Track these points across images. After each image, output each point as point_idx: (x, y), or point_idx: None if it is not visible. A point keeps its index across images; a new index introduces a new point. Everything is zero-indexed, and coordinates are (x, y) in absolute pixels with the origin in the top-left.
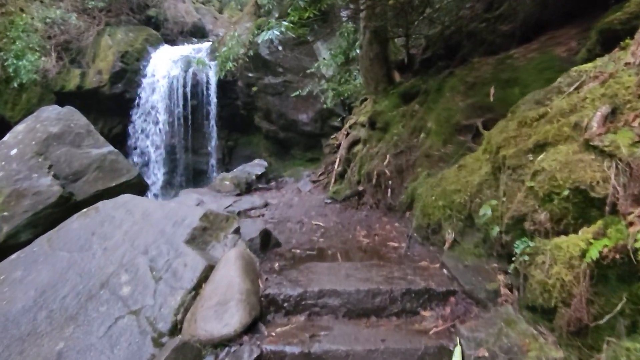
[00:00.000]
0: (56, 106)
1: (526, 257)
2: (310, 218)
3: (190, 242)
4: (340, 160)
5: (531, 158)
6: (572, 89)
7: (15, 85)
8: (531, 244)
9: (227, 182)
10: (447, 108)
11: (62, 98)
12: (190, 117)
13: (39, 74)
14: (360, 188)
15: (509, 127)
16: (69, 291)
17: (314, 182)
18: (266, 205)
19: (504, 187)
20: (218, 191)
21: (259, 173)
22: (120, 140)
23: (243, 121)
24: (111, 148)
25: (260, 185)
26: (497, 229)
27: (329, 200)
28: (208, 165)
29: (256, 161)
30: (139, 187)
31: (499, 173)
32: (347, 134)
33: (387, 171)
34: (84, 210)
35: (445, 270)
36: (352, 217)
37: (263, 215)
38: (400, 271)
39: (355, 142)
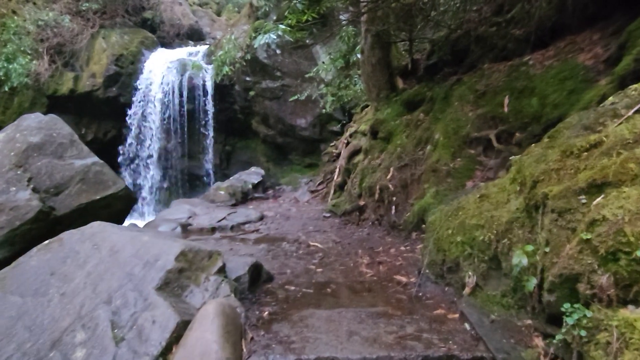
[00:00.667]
0: (38, 114)
1: (582, 332)
2: (308, 235)
3: (162, 288)
4: (339, 170)
5: (585, 201)
6: (632, 112)
7: (7, 89)
8: (588, 313)
9: (222, 192)
10: (455, 118)
11: (55, 102)
12: (186, 121)
13: (31, 77)
14: (362, 202)
15: (549, 156)
16: (14, 351)
17: (312, 192)
18: (262, 218)
19: (547, 235)
20: (212, 201)
21: (256, 182)
22: (114, 144)
23: (241, 126)
24: (96, 159)
25: (256, 195)
26: (534, 281)
27: (327, 214)
28: (204, 171)
29: (253, 169)
30: (126, 199)
31: (535, 212)
32: (347, 143)
33: (390, 186)
34: (46, 242)
35: (467, 325)
36: (352, 235)
37: (258, 230)
38: (413, 325)
39: (355, 152)
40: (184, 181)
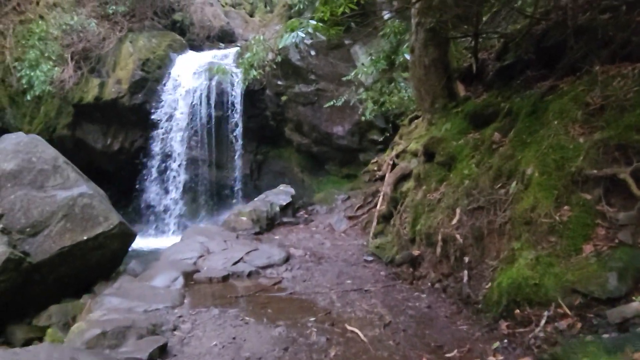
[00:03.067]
0: (20, 134)
1: None
2: (345, 301)
3: None
4: (384, 198)
5: None
6: None
7: (29, 97)
8: None
9: (244, 218)
10: (557, 145)
11: (81, 110)
12: (214, 129)
13: (55, 84)
14: (416, 252)
15: None
16: None
17: (350, 218)
18: (287, 259)
19: None
20: (233, 229)
21: (284, 203)
22: (142, 154)
23: (273, 133)
24: (84, 189)
25: (285, 220)
26: None
27: (369, 257)
28: (234, 181)
29: (282, 187)
30: (122, 237)
31: None
32: (393, 165)
33: (457, 236)
34: None
35: None
36: (406, 306)
37: (280, 282)
38: None
39: (404, 177)
40: (212, 192)
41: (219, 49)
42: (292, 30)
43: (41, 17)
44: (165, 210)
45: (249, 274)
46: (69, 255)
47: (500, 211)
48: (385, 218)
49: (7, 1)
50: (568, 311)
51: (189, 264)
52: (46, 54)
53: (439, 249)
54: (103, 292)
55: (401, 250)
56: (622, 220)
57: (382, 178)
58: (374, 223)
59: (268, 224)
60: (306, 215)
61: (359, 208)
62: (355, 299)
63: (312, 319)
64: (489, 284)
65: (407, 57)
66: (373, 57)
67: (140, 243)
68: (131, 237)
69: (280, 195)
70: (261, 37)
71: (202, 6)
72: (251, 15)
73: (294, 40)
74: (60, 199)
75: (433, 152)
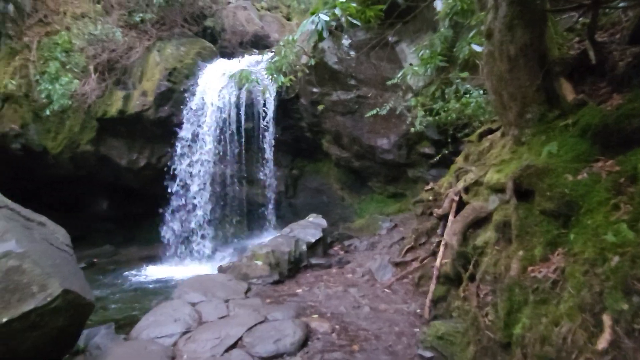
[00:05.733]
0: None
1: None
2: None
3: None
4: (447, 251)
5: None
6: None
7: (48, 112)
8: None
9: (259, 262)
10: None
11: (105, 125)
12: (244, 142)
13: (76, 98)
14: None
15: None
16: None
17: (397, 265)
18: (305, 342)
19: None
20: (244, 276)
21: (313, 240)
22: (168, 171)
23: (309, 146)
24: (11, 246)
25: (313, 261)
26: None
27: (428, 354)
28: (266, 199)
29: (311, 219)
30: (69, 312)
31: None
32: (460, 202)
33: None
34: None
35: None
36: None
37: None
38: None
39: (478, 223)
40: (242, 212)
41: (254, 55)
42: (313, 13)
43: (67, 29)
44: (192, 233)
45: None
46: None
47: None
48: (450, 280)
49: (34, 13)
50: None
51: (164, 349)
52: (68, 66)
53: None
54: None
55: (484, 356)
56: None
57: (442, 217)
58: (433, 283)
59: (291, 269)
60: (341, 253)
61: (408, 250)
62: None
63: None
64: None
65: (476, 48)
66: (424, 54)
67: (163, 272)
68: (86, 308)
69: (309, 229)
70: (290, 37)
71: (235, 11)
72: (288, 19)
73: (315, 28)
74: None
75: (531, 190)
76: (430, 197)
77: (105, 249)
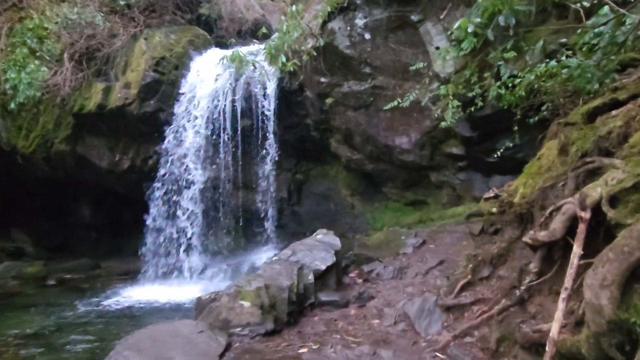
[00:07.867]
0: None
1: None
2: None
3: None
4: (582, 315)
5: None
6: None
7: (13, 105)
8: None
9: (246, 304)
10: None
11: (82, 121)
12: (240, 142)
13: (48, 90)
14: None
15: None
16: None
17: (448, 308)
18: None
19: None
20: (223, 324)
21: (324, 267)
22: (154, 177)
23: (315, 147)
24: None
25: (323, 298)
26: None
27: None
28: (265, 206)
29: (320, 236)
30: None
31: None
32: (595, 219)
33: None
34: None
35: None
36: None
37: None
38: None
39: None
40: (238, 222)
41: (253, 44)
42: None
43: (42, 14)
44: (178, 246)
45: None
46: None
47: None
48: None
49: None
50: None
51: None
52: (38, 54)
53: None
54: None
55: None
56: None
57: (545, 245)
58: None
59: (292, 312)
60: (359, 282)
61: (464, 287)
62: None
63: None
64: None
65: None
66: (456, 34)
67: (143, 294)
68: None
69: (317, 250)
70: (294, 8)
71: None
72: None
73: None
74: None
75: None
76: (494, 209)
77: (83, 263)
